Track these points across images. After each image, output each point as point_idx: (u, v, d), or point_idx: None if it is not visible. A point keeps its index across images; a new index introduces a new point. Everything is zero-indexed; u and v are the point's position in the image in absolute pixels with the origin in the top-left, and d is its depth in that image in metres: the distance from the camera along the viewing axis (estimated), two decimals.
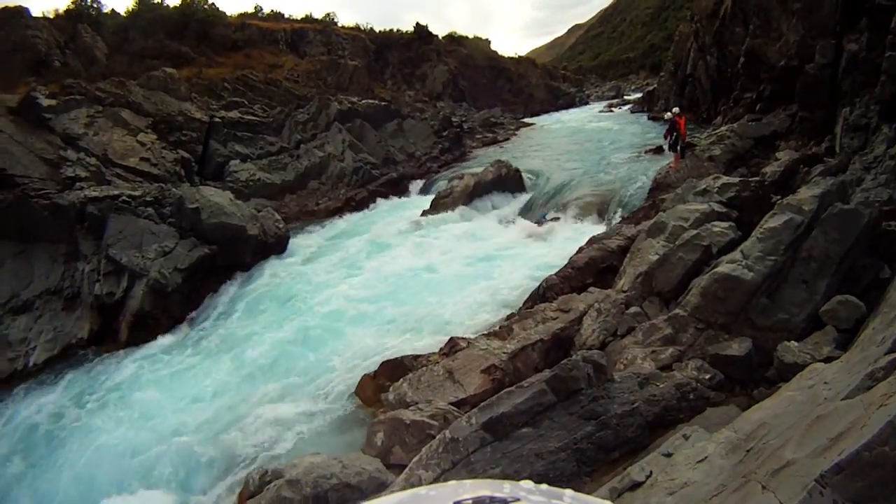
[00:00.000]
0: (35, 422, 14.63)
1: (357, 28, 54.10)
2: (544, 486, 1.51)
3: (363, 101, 36.07)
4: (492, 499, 1.41)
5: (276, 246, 22.97)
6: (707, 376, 7.85)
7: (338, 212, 28.95)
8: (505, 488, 1.50)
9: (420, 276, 18.46)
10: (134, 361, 16.63)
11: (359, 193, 30.56)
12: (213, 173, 27.55)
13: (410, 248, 21.58)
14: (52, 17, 36.56)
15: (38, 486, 12.17)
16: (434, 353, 11.83)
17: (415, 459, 7.22)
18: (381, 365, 12.20)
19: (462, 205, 25.24)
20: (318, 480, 7.98)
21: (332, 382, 12.93)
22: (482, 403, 7.37)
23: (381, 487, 7.77)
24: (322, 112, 32.86)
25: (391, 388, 10.69)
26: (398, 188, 32.55)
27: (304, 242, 24.52)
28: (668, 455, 5.74)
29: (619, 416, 7.01)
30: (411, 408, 9.47)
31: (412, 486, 6.40)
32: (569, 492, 1.47)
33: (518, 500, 1.39)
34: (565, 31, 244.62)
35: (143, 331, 18.05)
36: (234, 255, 21.38)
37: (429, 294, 16.82)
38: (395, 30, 59.19)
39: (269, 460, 10.71)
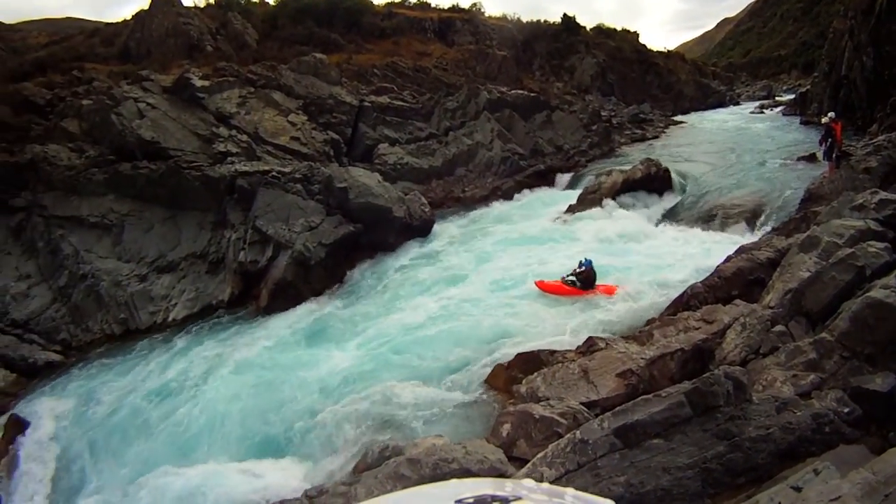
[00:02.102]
0: (170, 370, 15.80)
1: (504, 18, 53.05)
2: (545, 485, 1.61)
3: (512, 91, 34.86)
4: (493, 497, 1.48)
5: (420, 229, 22.51)
6: (845, 410, 7.14)
7: (484, 200, 28.00)
8: (507, 487, 1.61)
9: (561, 270, 17.18)
10: (271, 327, 17.16)
11: (506, 183, 29.45)
12: (361, 155, 27.29)
13: (555, 242, 20.65)
14: (202, 6, 38.32)
15: (172, 426, 13.21)
16: (570, 351, 11.56)
17: (539, 455, 7.16)
18: (515, 356, 12.03)
19: (609, 202, 23.76)
20: (438, 463, 8.02)
21: (464, 368, 12.88)
22: (617, 408, 7.18)
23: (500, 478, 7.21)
24: (471, 100, 31.91)
25: (524, 381, 10.64)
26: (545, 180, 31.09)
27: (448, 228, 23.88)
28: (798, 489, 5.38)
29: (753, 439, 6.59)
30: (542, 403, 9.36)
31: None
32: (570, 490, 1.55)
33: (520, 498, 1.47)
34: (714, 24, 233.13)
35: (283, 299, 18.39)
36: (379, 234, 21.22)
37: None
38: (542, 20, 57.47)
39: (391, 436, 10.82)
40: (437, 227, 23.38)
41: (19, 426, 14.90)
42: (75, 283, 18.90)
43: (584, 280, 15.44)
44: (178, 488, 11.06)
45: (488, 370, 12.30)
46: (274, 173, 21.05)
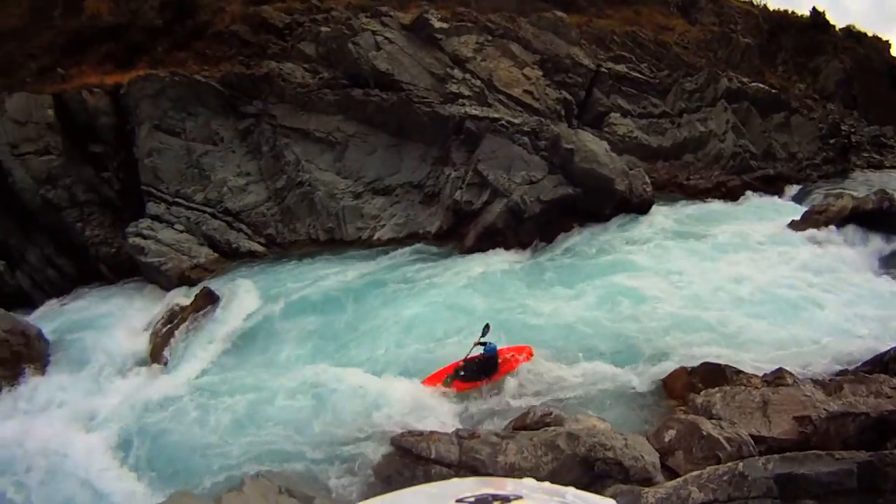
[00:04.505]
0: (365, 282, 17.09)
1: (750, 3, 48.70)
2: (546, 484, 1.65)
3: (752, 84, 31.92)
4: (494, 496, 1.47)
5: (638, 207, 21.35)
6: None
7: (706, 193, 25.98)
8: (507, 486, 1.64)
9: (771, 290, 15.98)
10: (470, 267, 17.63)
11: (731, 181, 27.11)
12: (591, 121, 26.21)
13: (771, 258, 18.86)
14: None
15: (351, 331, 14.65)
16: (756, 376, 10.95)
17: (694, 474, 7.12)
18: (701, 364, 11.63)
19: (832, 229, 21.10)
20: (595, 446, 8.10)
21: (645, 360, 12.57)
22: (786, 454, 7.08)
23: (646, 482, 7.66)
24: (710, 86, 29.53)
25: (702, 392, 10.40)
26: (772, 186, 28.33)
27: (666, 213, 22.38)
28: None
29: None
30: (713, 420, 9.16)
31: (679, 497, 6.57)
32: (571, 489, 1.60)
33: (520, 497, 1.51)
34: None
35: (489, 244, 18.84)
36: (596, 203, 20.52)
37: (772, 312, 14.74)
38: (790, 11, 51.66)
39: (555, 402, 10.90)
40: (654, 210, 21.99)
41: (209, 299, 16.59)
42: (291, 188, 20.59)
43: (478, 367, 11.97)
44: (341, 387, 12.13)
45: (671, 368, 11.89)
46: (503, 122, 20.84)
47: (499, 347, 12.05)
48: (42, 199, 20.27)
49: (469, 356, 11.96)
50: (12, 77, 23.98)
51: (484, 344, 11.90)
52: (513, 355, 12.27)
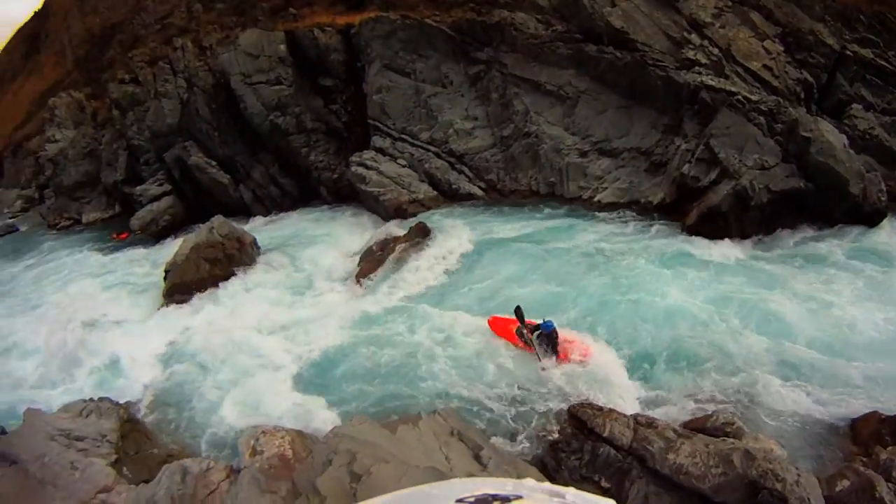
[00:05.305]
0: (581, 241, 17.53)
1: None
2: (547, 485, 1.61)
3: None
4: (494, 496, 1.46)
5: (868, 217, 19.05)
6: None
7: None
8: (507, 486, 1.58)
9: None
10: (692, 248, 17.29)
11: None
12: (829, 109, 23.97)
13: None
14: None
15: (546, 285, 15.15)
16: None
17: None
18: None
19: None
20: (767, 473, 7.71)
21: (846, 397, 11.26)
22: None
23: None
24: None
25: (889, 448, 9.60)
26: None
27: (892, 231, 19.33)
28: None
29: None
30: (891, 484, 8.44)
31: None
32: (571, 489, 1.53)
33: (520, 497, 1.47)
34: None
35: (709, 226, 18.08)
36: (825, 203, 18.84)
37: None
38: None
39: (736, 413, 10.45)
40: (886, 224, 19.19)
41: (423, 232, 17.93)
42: (518, 138, 21.01)
43: (548, 342, 12.26)
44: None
45: (859, 410, 10.80)
46: (740, 97, 19.61)
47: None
48: (271, 123, 22.23)
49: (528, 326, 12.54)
50: (245, 16, 26.92)
51: (537, 327, 12.15)
52: (565, 342, 12.38)
